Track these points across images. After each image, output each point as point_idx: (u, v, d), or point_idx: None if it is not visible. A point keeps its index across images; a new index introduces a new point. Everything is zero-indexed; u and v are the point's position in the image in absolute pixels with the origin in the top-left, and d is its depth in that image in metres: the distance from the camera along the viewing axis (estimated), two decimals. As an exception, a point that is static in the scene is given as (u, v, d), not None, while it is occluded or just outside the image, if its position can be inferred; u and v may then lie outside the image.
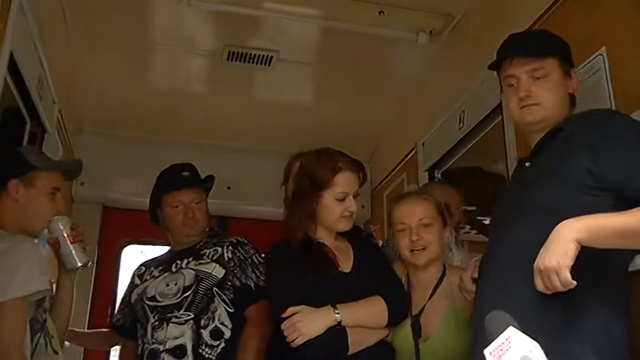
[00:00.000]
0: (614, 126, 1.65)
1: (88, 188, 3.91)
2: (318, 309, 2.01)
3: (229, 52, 3.36)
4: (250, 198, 4.05)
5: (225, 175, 3.73)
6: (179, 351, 2.33)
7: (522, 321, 1.51)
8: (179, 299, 2.40)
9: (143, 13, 3.12)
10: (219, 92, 3.80)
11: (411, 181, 3.70)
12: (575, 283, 1.39)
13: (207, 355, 2.33)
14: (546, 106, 1.77)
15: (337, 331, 1.99)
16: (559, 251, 1.41)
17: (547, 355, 1.36)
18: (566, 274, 1.39)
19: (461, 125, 3.17)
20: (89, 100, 3.74)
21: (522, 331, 1.29)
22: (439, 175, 3.53)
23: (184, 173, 2.58)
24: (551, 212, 1.54)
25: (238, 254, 2.49)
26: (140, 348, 2.45)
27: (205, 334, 2.35)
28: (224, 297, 2.41)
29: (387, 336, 2.11)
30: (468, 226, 3.56)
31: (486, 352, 1.32)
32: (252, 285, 2.43)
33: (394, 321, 2.10)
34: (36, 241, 2.12)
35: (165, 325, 2.38)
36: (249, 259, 2.49)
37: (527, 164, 1.80)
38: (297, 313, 2.00)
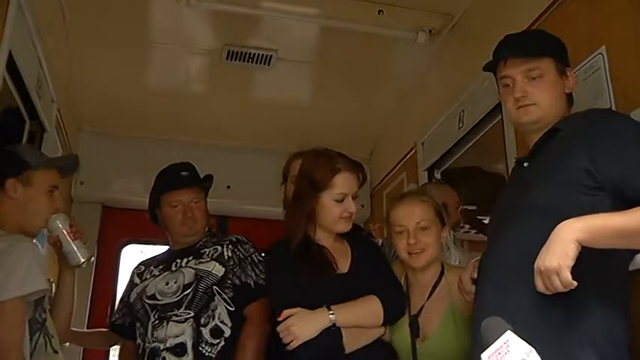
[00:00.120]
0: (613, 125, 1.65)
1: (87, 188, 3.91)
2: (312, 311, 2.01)
3: (229, 51, 3.36)
4: (250, 197, 4.05)
5: (225, 175, 3.73)
6: (179, 349, 2.33)
7: (522, 321, 1.52)
8: (179, 297, 2.40)
9: (142, 12, 3.12)
10: (218, 91, 3.80)
11: (411, 181, 3.70)
12: (575, 283, 1.39)
13: (207, 354, 2.33)
14: (542, 106, 1.77)
15: (332, 333, 1.99)
16: (559, 252, 1.41)
17: (547, 355, 1.36)
18: (567, 275, 1.39)
19: (460, 125, 3.17)
20: (88, 100, 3.74)
21: (519, 336, 1.30)
22: (438, 175, 3.53)
23: (183, 173, 2.58)
24: (550, 212, 1.54)
25: (238, 253, 2.49)
26: (140, 347, 2.45)
27: (205, 332, 2.36)
28: (224, 295, 2.41)
29: (384, 335, 2.11)
30: (467, 226, 3.56)
31: (484, 355, 1.33)
32: (252, 283, 2.43)
33: (390, 320, 2.11)
34: (34, 240, 2.12)
35: (165, 323, 2.38)
36: (249, 258, 2.49)
37: (525, 164, 1.80)
38: (292, 315, 2.00)
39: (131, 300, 2.55)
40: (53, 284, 2.33)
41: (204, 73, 3.73)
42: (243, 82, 3.73)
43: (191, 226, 2.54)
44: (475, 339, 1.64)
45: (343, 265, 2.16)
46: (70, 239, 2.14)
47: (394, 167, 4.02)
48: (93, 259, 2.22)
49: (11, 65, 2.36)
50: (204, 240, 2.58)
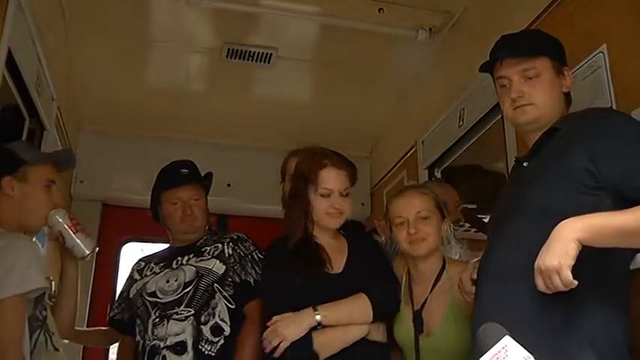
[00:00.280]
0: (612, 124, 1.65)
1: (87, 186, 3.91)
2: (298, 312, 2.02)
3: (228, 49, 3.35)
4: (250, 195, 4.05)
5: (225, 173, 3.73)
6: (179, 347, 2.33)
7: (522, 321, 1.53)
8: (179, 295, 2.40)
9: (142, 10, 3.12)
10: (218, 90, 3.80)
11: (411, 179, 3.70)
12: (576, 282, 1.39)
13: (207, 352, 2.33)
14: (539, 106, 1.77)
15: (301, 344, 1.99)
16: (560, 251, 1.41)
17: (547, 356, 1.36)
18: (568, 274, 1.39)
19: (461, 123, 3.16)
20: (88, 98, 3.74)
21: (518, 338, 1.30)
22: (439, 173, 3.53)
23: (183, 170, 2.58)
24: (550, 212, 1.53)
25: (239, 250, 2.50)
26: (140, 344, 2.45)
27: (206, 330, 2.36)
28: (225, 293, 2.42)
29: (369, 334, 2.09)
30: (467, 224, 3.56)
31: None
32: (252, 281, 2.43)
33: (381, 316, 2.10)
34: (34, 239, 2.11)
35: (165, 321, 2.38)
36: (249, 256, 2.50)
37: (525, 164, 1.80)
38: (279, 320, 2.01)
39: (130, 296, 2.55)
40: (53, 282, 2.34)
41: (204, 71, 3.72)
42: (243, 80, 3.73)
43: (190, 224, 2.54)
44: (474, 340, 1.64)
45: (338, 264, 2.16)
46: (72, 233, 2.14)
47: (394, 165, 4.02)
48: (97, 249, 2.22)
49: (11, 63, 2.36)
50: (204, 238, 2.58)
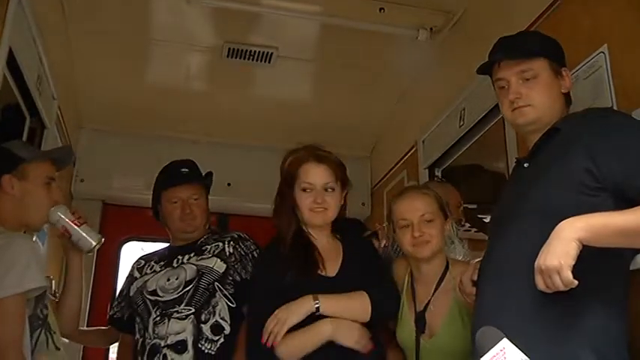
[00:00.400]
0: (613, 124, 1.65)
1: (87, 185, 3.92)
2: (298, 299, 2.02)
3: (229, 48, 3.35)
4: (250, 195, 4.04)
5: (225, 172, 3.73)
6: (180, 346, 2.33)
7: (522, 322, 1.52)
8: (180, 294, 2.40)
9: (143, 9, 3.12)
10: (219, 89, 3.80)
11: (412, 179, 3.70)
12: (576, 282, 1.39)
13: (207, 351, 2.34)
14: (538, 107, 1.77)
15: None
16: (560, 251, 1.41)
17: (547, 356, 1.36)
18: (568, 274, 1.39)
19: (461, 123, 3.16)
20: (89, 97, 3.74)
21: (518, 338, 1.30)
22: (439, 173, 3.53)
23: (183, 169, 2.59)
24: (550, 213, 1.53)
25: (239, 249, 2.50)
26: (140, 342, 2.45)
27: (206, 328, 2.36)
28: (225, 292, 2.42)
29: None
30: (467, 224, 3.56)
31: None
32: (252, 280, 2.43)
33: (377, 316, 2.09)
34: (34, 237, 2.12)
35: (166, 320, 2.38)
36: (250, 255, 2.51)
37: (525, 165, 1.80)
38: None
39: (131, 294, 2.55)
40: (53, 281, 2.34)
41: (205, 70, 3.73)
42: (244, 79, 3.73)
43: (189, 223, 2.54)
44: (474, 342, 1.64)
45: (332, 267, 2.14)
46: (76, 226, 2.15)
47: (395, 165, 4.02)
48: (103, 240, 2.22)
49: (11, 62, 2.36)
50: (205, 237, 2.59)
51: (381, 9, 3.02)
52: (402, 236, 2.16)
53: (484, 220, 3.53)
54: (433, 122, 3.47)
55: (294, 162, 2.20)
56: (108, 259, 3.87)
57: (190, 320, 2.36)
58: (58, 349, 1.96)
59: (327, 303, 2.02)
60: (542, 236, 1.46)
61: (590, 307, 1.51)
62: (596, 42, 2.15)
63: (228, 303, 2.41)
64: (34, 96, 2.73)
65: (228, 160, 3.97)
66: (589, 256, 1.42)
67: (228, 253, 2.48)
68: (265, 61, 3.45)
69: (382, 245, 2.56)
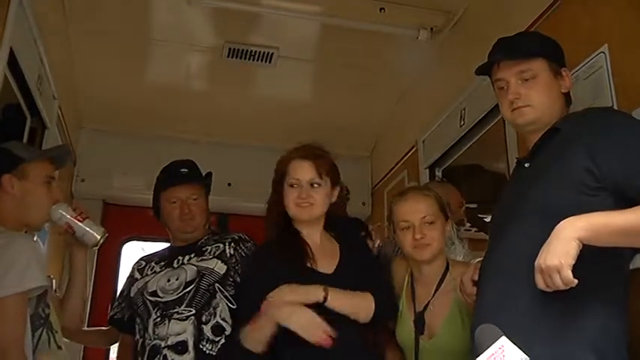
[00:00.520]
0: (613, 124, 1.65)
1: (88, 184, 3.92)
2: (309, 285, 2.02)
3: (229, 48, 3.36)
4: (250, 195, 4.02)
5: (226, 172, 3.73)
6: (180, 347, 2.33)
7: (522, 322, 1.52)
8: (180, 294, 2.40)
9: (143, 9, 3.12)
10: (219, 89, 3.81)
11: (412, 179, 3.70)
12: (576, 281, 1.39)
13: (208, 352, 2.33)
14: (537, 108, 1.77)
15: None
16: (560, 250, 1.41)
17: (547, 355, 1.36)
18: (568, 273, 1.39)
19: (462, 123, 3.16)
20: (89, 97, 3.74)
21: (518, 338, 1.30)
22: (439, 173, 3.53)
23: (182, 170, 2.59)
24: (550, 213, 1.53)
25: (240, 251, 2.50)
26: (140, 342, 2.45)
27: (207, 329, 2.36)
28: (226, 293, 2.42)
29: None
30: (468, 224, 3.56)
31: None
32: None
33: (378, 318, 2.09)
34: (35, 237, 2.12)
35: (167, 321, 2.38)
36: (250, 256, 2.50)
37: (525, 165, 1.80)
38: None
39: (131, 295, 2.55)
40: (53, 280, 2.34)
41: (205, 70, 3.73)
42: (244, 79, 3.73)
43: (188, 223, 2.54)
44: (473, 341, 1.64)
45: (329, 265, 2.14)
46: (79, 222, 2.15)
47: (395, 165, 4.02)
48: (107, 234, 2.23)
49: (12, 62, 2.37)
50: (205, 237, 2.59)
51: (381, 9, 3.02)
52: (403, 238, 2.16)
53: (484, 219, 3.53)
54: (433, 122, 3.47)
55: (283, 159, 2.24)
56: (108, 259, 3.88)
57: (191, 321, 2.36)
58: (59, 348, 1.96)
59: (335, 296, 2.02)
60: (543, 236, 1.46)
61: (590, 307, 1.51)
62: (596, 42, 2.15)
63: (229, 304, 2.41)
64: (35, 96, 2.73)
65: (229, 160, 3.97)
66: (589, 256, 1.42)
67: (229, 255, 2.48)
68: (266, 61, 3.45)
69: (376, 245, 2.54)
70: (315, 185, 2.17)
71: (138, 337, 2.47)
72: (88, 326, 3.35)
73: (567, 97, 1.84)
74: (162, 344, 2.35)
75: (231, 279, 2.43)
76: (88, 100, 3.79)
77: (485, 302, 1.69)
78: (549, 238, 1.45)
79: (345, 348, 2.02)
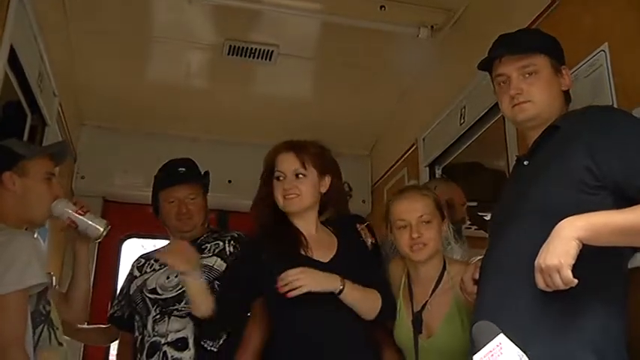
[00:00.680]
0: (613, 122, 1.64)
1: (88, 182, 3.92)
2: (326, 273, 2.03)
3: (230, 46, 3.35)
4: (251, 192, 4.00)
5: (226, 170, 3.74)
6: (180, 344, 2.35)
7: (522, 321, 1.52)
8: (180, 292, 2.41)
9: (143, 6, 3.12)
10: (219, 86, 3.80)
11: (412, 177, 3.71)
12: (576, 281, 1.39)
13: (209, 348, 2.35)
14: (538, 104, 1.77)
15: None
16: (560, 250, 1.41)
17: (547, 355, 1.36)
18: (568, 273, 1.39)
19: (462, 121, 3.16)
20: (90, 94, 3.74)
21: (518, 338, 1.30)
22: (439, 171, 3.53)
23: (180, 169, 2.59)
24: (550, 211, 1.53)
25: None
26: (139, 339, 2.46)
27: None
28: (225, 290, 2.42)
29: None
30: (468, 222, 3.56)
31: (476, 357, 1.33)
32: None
33: (381, 317, 2.11)
34: (35, 234, 2.12)
35: (166, 318, 2.39)
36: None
37: (525, 163, 1.80)
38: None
39: (130, 292, 2.56)
40: (54, 277, 2.35)
41: (206, 68, 3.73)
42: (245, 77, 3.73)
43: (186, 222, 2.54)
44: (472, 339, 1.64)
45: (323, 256, 2.14)
46: (81, 216, 2.16)
47: (395, 163, 4.03)
48: (109, 227, 2.24)
49: (13, 59, 2.37)
50: (205, 235, 2.59)
51: (381, 7, 3.02)
52: (400, 237, 2.15)
53: (484, 217, 3.54)
54: (433, 120, 3.47)
55: (269, 154, 2.26)
56: (108, 256, 3.88)
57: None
58: (60, 344, 1.97)
59: (350, 289, 2.03)
60: (543, 235, 1.46)
61: (590, 306, 1.51)
62: (596, 40, 2.15)
63: None
64: (35, 93, 2.73)
65: (229, 158, 3.97)
66: (589, 255, 1.42)
67: (228, 253, 2.49)
68: (266, 59, 3.45)
69: (369, 244, 2.52)
70: (300, 176, 2.17)
71: (137, 334, 2.49)
72: (88, 324, 3.37)
73: (567, 95, 1.84)
74: (162, 341, 2.36)
75: (230, 277, 2.44)
76: (88, 98, 3.79)
77: (485, 301, 1.69)
78: (549, 237, 1.44)
79: (349, 343, 2.04)
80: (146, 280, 2.51)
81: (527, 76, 1.77)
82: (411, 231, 2.12)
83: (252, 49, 3.38)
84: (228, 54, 3.39)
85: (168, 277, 2.46)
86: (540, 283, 1.44)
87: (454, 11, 3.08)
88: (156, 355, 2.36)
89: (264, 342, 2.29)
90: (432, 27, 3.14)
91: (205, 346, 2.34)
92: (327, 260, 2.13)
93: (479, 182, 3.78)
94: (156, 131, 4.02)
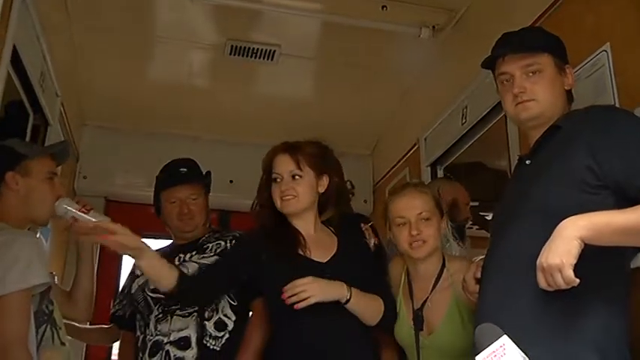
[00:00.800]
0: (615, 122, 1.64)
1: (90, 181, 3.93)
2: (332, 281, 2.03)
3: (232, 46, 3.36)
4: (252, 192, 4.00)
5: (227, 169, 3.74)
6: (183, 343, 2.35)
7: (524, 321, 1.52)
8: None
9: (145, 6, 3.13)
10: (221, 86, 3.81)
11: (414, 177, 3.70)
12: (578, 280, 1.39)
13: (212, 347, 2.35)
14: (541, 102, 1.76)
15: None
16: (562, 249, 1.41)
17: (548, 355, 1.36)
18: (570, 272, 1.39)
19: (463, 121, 3.16)
20: (92, 94, 3.75)
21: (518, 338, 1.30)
22: (441, 171, 3.53)
23: (182, 169, 2.59)
24: (552, 211, 1.53)
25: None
26: (141, 338, 2.46)
27: (209, 325, 2.37)
28: (228, 290, 2.43)
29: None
30: (470, 222, 3.56)
31: (479, 357, 1.33)
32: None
33: (381, 324, 2.12)
34: (38, 234, 2.13)
35: (169, 317, 2.39)
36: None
37: (527, 162, 1.80)
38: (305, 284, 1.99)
39: (132, 291, 2.56)
40: (56, 277, 2.35)
41: (207, 67, 3.73)
42: (246, 77, 3.73)
43: (187, 222, 2.55)
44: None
45: (322, 256, 2.14)
46: (84, 214, 2.15)
47: (397, 163, 4.03)
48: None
49: (15, 59, 2.37)
50: (206, 235, 2.60)
51: (383, 7, 3.02)
52: (399, 234, 2.15)
53: (486, 217, 3.54)
54: (435, 120, 3.48)
55: (266, 157, 2.26)
56: (110, 256, 3.87)
57: (193, 318, 2.38)
58: (63, 344, 1.97)
59: (357, 298, 2.03)
60: (544, 235, 1.46)
61: (592, 306, 1.51)
62: (598, 40, 2.15)
63: (230, 301, 2.42)
64: (38, 93, 2.74)
65: (231, 158, 3.97)
66: (590, 255, 1.42)
67: (230, 252, 2.50)
68: (268, 59, 3.45)
69: (372, 244, 2.52)
70: (296, 177, 2.17)
71: (139, 333, 2.49)
72: (90, 324, 3.37)
73: (569, 95, 1.84)
74: (165, 340, 2.36)
75: (232, 276, 2.44)
76: (90, 98, 3.79)
77: (486, 301, 1.69)
78: (551, 237, 1.44)
79: (352, 350, 2.05)
80: (148, 279, 2.51)
81: (530, 75, 1.77)
82: (410, 228, 2.12)
83: (253, 48, 3.38)
84: (230, 54, 3.40)
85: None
86: (542, 283, 1.45)
87: (456, 11, 3.08)
88: (158, 354, 2.36)
89: (265, 342, 2.30)
90: (433, 27, 3.14)
91: (208, 344, 2.34)
92: (325, 260, 2.13)
93: (480, 182, 3.78)
94: (157, 131, 4.03)
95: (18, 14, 2.30)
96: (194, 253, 2.51)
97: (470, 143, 3.26)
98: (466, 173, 3.69)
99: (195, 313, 2.37)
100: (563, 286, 1.41)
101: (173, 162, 2.64)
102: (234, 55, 3.40)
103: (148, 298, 2.46)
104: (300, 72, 3.71)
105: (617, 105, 2.01)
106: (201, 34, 3.37)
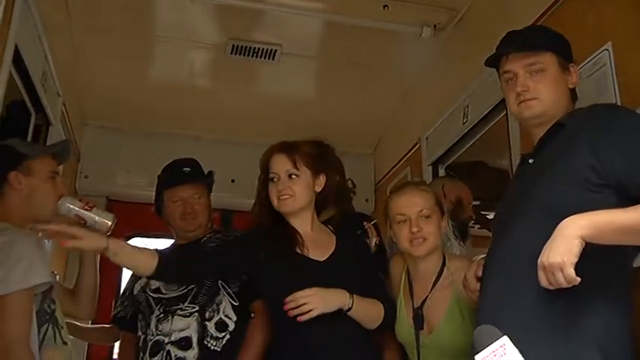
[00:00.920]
0: (618, 120, 1.64)
1: (91, 181, 3.93)
2: (333, 289, 2.02)
3: (233, 45, 3.36)
4: (254, 191, 4.03)
5: (229, 169, 3.74)
6: (184, 343, 2.35)
7: (525, 320, 1.52)
8: (184, 291, 2.42)
9: (146, 6, 3.13)
10: (222, 86, 3.81)
11: (415, 176, 3.70)
12: (579, 279, 1.39)
13: (212, 347, 2.35)
14: (544, 101, 1.76)
15: None
16: (563, 248, 1.41)
17: (550, 354, 1.36)
18: (571, 271, 1.39)
19: (465, 120, 3.16)
20: (93, 94, 3.75)
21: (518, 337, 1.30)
22: (443, 170, 3.53)
23: (185, 169, 2.60)
24: (554, 209, 1.53)
25: (243, 248, 2.51)
26: (142, 339, 2.46)
27: (210, 326, 2.37)
28: (229, 290, 2.43)
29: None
30: (472, 221, 3.56)
31: (478, 357, 1.33)
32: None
33: (381, 328, 2.13)
34: (40, 234, 2.13)
35: (170, 317, 2.39)
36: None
37: (530, 161, 1.80)
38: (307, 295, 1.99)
39: (134, 292, 2.57)
40: (57, 276, 2.36)
41: (209, 67, 3.73)
42: (248, 76, 3.74)
43: (190, 222, 2.55)
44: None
45: (320, 255, 2.14)
46: (88, 211, 2.16)
47: (398, 162, 4.03)
48: (116, 220, 2.24)
49: (17, 59, 2.38)
50: (208, 235, 2.59)
51: (384, 6, 3.02)
52: (399, 232, 2.15)
53: (487, 216, 3.53)
54: (437, 119, 3.48)
55: (263, 157, 2.25)
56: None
57: (194, 318, 2.38)
58: (65, 343, 1.98)
59: (359, 305, 2.04)
60: (546, 233, 1.46)
61: (594, 305, 1.51)
62: (600, 39, 2.15)
63: (232, 301, 2.43)
64: (39, 93, 2.74)
65: (232, 157, 3.97)
66: (592, 254, 1.42)
67: (232, 252, 2.49)
68: (269, 58, 3.45)
69: (373, 244, 2.52)
70: (293, 176, 2.17)
71: (140, 333, 2.49)
72: (92, 323, 3.38)
73: (573, 93, 1.83)
74: (166, 340, 2.37)
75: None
76: (91, 97, 3.79)
77: (487, 300, 1.69)
78: (552, 236, 1.44)
79: (353, 356, 2.05)
80: (150, 280, 2.51)
81: (533, 73, 1.77)
82: (410, 225, 2.12)
83: (255, 48, 3.38)
84: (231, 53, 3.40)
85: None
86: (543, 282, 1.45)
87: (457, 10, 3.08)
88: (159, 354, 2.37)
89: (266, 343, 2.30)
90: (434, 26, 3.14)
91: (209, 345, 2.34)
92: (323, 259, 2.13)
93: (482, 181, 3.78)
94: (159, 131, 4.03)
95: (20, 14, 2.31)
96: (195, 252, 2.51)
97: (471, 142, 3.26)
98: (467, 172, 3.69)
99: (197, 313, 2.38)
100: (565, 285, 1.41)
101: (176, 161, 2.65)
102: (236, 54, 3.40)
103: (150, 298, 2.47)
104: (301, 71, 3.71)
105: (619, 103, 2.01)
106: (202, 34, 3.37)
